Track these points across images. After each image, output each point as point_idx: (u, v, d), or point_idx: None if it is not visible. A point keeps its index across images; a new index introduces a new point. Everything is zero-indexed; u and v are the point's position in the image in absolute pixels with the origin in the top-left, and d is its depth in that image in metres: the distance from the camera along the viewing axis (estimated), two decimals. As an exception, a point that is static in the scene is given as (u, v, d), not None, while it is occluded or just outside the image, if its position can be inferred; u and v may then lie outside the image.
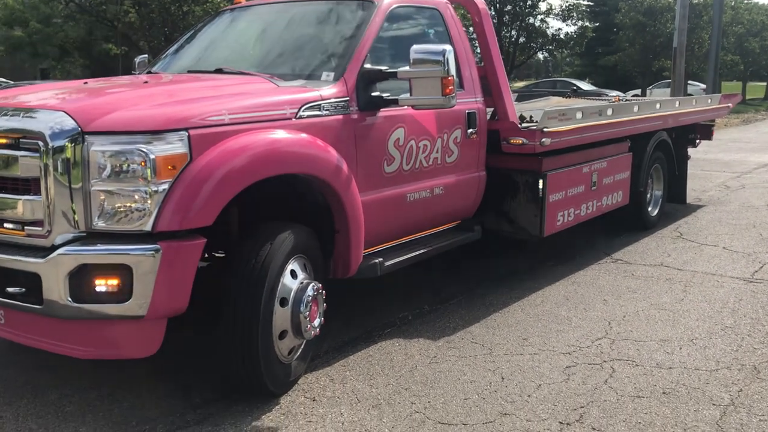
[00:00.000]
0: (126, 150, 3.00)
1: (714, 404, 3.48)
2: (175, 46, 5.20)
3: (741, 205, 8.72)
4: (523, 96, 8.47)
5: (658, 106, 7.17)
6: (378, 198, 4.12)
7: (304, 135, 3.60)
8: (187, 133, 3.09)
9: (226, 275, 3.38)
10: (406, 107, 4.13)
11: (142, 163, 2.99)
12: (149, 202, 3.00)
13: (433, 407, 3.45)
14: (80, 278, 2.98)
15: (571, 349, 4.17)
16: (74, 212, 3.01)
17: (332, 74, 3.99)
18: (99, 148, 2.99)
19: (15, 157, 3.11)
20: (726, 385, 3.69)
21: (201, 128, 3.15)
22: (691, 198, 8.82)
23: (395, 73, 3.96)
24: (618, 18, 43.07)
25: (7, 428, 3.25)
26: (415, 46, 3.85)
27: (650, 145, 7.13)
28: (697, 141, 8.64)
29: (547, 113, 5.18)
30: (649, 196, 7.39)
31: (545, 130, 5.09)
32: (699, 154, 10.85)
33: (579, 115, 5.65)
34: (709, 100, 8.57)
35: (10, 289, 3.13)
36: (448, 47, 3.82)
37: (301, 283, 3.55)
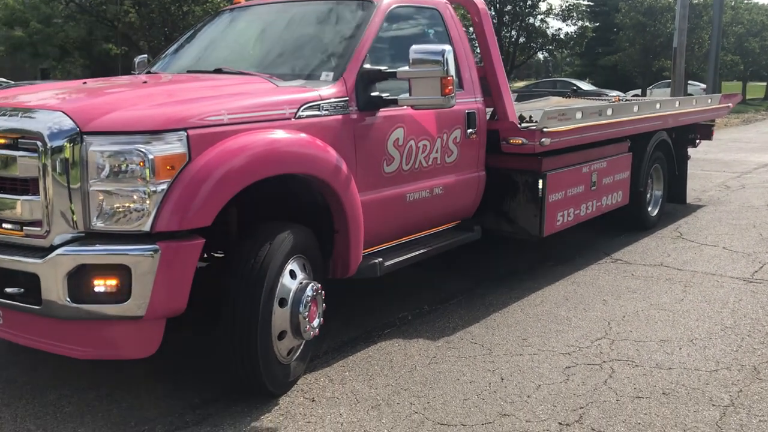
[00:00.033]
0: (125, 150, 2.99)
1: (714, 405, 3.47)
2: (174, 46, 5.20)
3: (741, 205, 8.71)
4: (522, 96, 8.46)
5: (658, 106, 7.16)
6: (377, 198, 4.11)
7: (303, 135, 3.59)
8: (185, 133, 3.08)
9: (225, 275, 3.37)
10: (405, 107, 4.13)
11: (141, 164, 2.98)
12: (148, 202, 2.99)
13: (432, 408, 3.44)
14: (79, 278, 2.98)
15: (570, 349, 4.16)
16: (73, 212, 3.01)
17: (331, 74, 3.98)
18: (97, 148, 2.99)
19: (13, 158, 3.11)
20: (726, 385, 3.69)
21: (200, 128, 3.15)
22: (691, 198, 8.82)
23: (394, 73, 3.96)
24: (618, 18, 43.09)
25: (6, 429, 3.24)
26: (414, 46, 3.84)
27: (650, 145, 7.13)
28: (697, 141, 8.64)
29: (547, 113, 5.18)
30: (649, 196, 7.39)
31: (545, 130, 5.09)
32: (699, 154, 10.84)
33: (579, 115, 5.65)
34: (709, 100, 8.57)
35: (8, 290, 3.12)
36: (447, 47, 3.82)
37: (300, 283, 3.55)
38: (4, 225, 3.19)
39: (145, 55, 5.50)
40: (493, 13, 34.17)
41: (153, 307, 3.00)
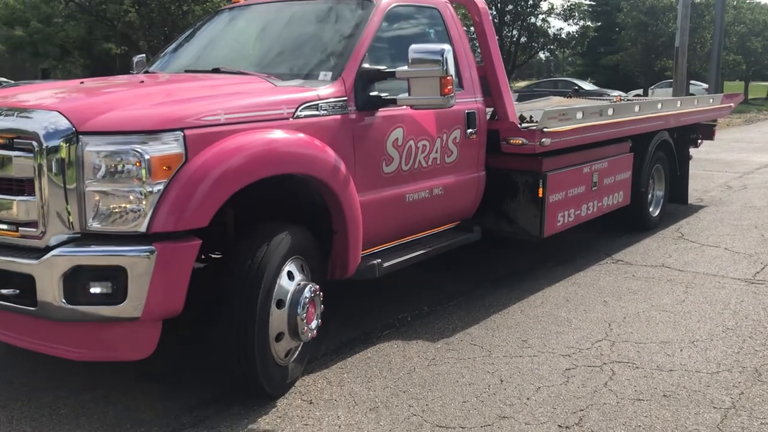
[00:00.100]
0: (121, 150, 2.97)
1: (715, 407, 3.44)
2: (173, 45, 5.18)
3: (743, 205, 8.68)
4: (524, 96, 8.44)
5: (659, 105, 7.13)
6: (376, 198, 4.09)
7: (301, 135, 3.57)
8: (182, 133, 3.06)
9: (223, 276, 3.35)
10: (404, 107, 4.10)
11: (137, 164, 2.96)
12: (144, 202, 2.97)
13: (431, 410, 3.42)
14: (74, 279, 2.96)
15: (570, 351, 4.14)
16: (69, 213, 2.99)
17: (330, 74, 3.96)
18: (94, 148, 2.97)
19: (9, 158, 3.09)
20: (727, 387, 3.66)
21: (197, 128, 3.13)
22: (692, 198, 8.79)
23: (394, 72, 3.93)
24: (620, 17, 43.06)
25: (1, 431, 3.22)
26: (413, 46, 3.82)
27: (652, 145, 7.10)
28: (699, 141, 8.60)
29: (547, 113, 5.15)
30: (650, 196, 7.36)
31: (545, 130, 5.06)
32: (701, 154, 10.81)
33: (579, 115, 5.62)
34: (711, 100, 8.54)
35: (4, 291, 3.10)
36: (447, 47, 3.79)
37: (298, 284, 3.52)
38: (-1, 225, 3.17)
39: (143, 55, 5.48)
40: (495, 13, 34.12)
41: (149, 309, 2.98)
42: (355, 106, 3.93)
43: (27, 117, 3.12)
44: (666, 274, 5.70)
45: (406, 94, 3.91)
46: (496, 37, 5.41)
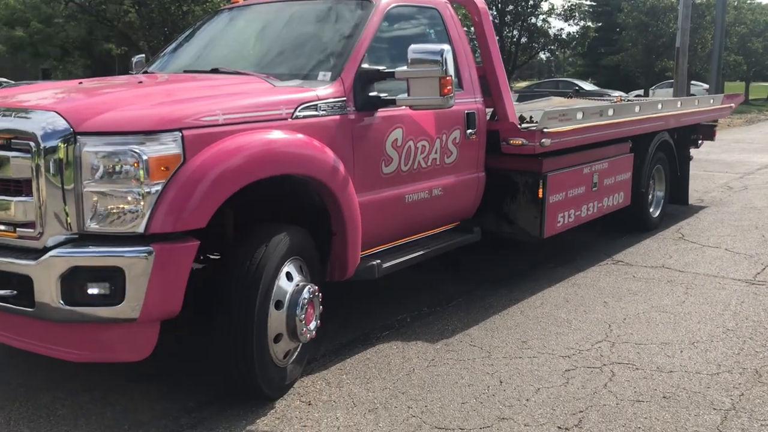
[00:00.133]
0: (119, 151, 2.96)
1: (715, 409, 3.43)
2: (172, 46, 5.17)
3: (744, 206, 8.66)
4: (524, 96, 8.42)
5: (660, 106, 7.12)
6: (376, 199, 4.08)
7: (300, 135, 3.56)
8: (180, 134, 3.05)
9: (221, 277, 3.34)
10: (404, 107, 4.09)
11: (135, 164, 2.95)
12: (142, 203, 2.96)
13: (430, 411, 3.41)
14: (72, 280, 2.94)
15: (570, 352, 4.12)
16: (66, 214, 2.98)
17: (329, 74, 3.95)
18: (91, 148, 2.96)
19: (7, 158, 3.08)
20: (727, 389, 3.64)
21: (195, 128, 3.11)
22: (693, 199, 8.77)
23: (393, 73, 3.92)
24: (620, 18, 43.01)
25: (-1, 432, 3.22)
26: (412, 46, 3.81)
27: (652, 145, 7.09)
28: (700, 141, 8.59)
29: (547, 114, 5.14)
30: (650, 197, 7.34)
31: (545, 130, 5.05)
32: (701, 154, 10.80)
33: (579, 115, 5.61)
34: (712, 101, 8.52)
35: (1, 292, 3.09)
36: (446, 47, 3.78)
37: (297, 285, 3.51)
38: (-3, 226, 3.16)
39: (143, 55, 5.46)
40: (495, 13, 34.06)
41: (147, 310, 2.97)
42: (354, 106, 3.92)
43: (25, 117, 3.11)
44: (666, 275, 5.68)
45: (406, 95, 3.90)
46: (496, 38, 5.40)
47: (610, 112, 6.08)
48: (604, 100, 8.50)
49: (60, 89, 3.85)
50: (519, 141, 5.08)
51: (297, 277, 3.54)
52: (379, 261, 4.18)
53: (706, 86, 30.09)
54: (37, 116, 3.07)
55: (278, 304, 3.41)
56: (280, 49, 4.47)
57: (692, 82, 31.56)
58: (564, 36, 39.30)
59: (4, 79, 23.86)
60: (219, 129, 3.21)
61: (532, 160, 5.21)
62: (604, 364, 3.95)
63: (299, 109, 3.62)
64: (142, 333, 3.07)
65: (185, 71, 4.54)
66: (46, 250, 2.99)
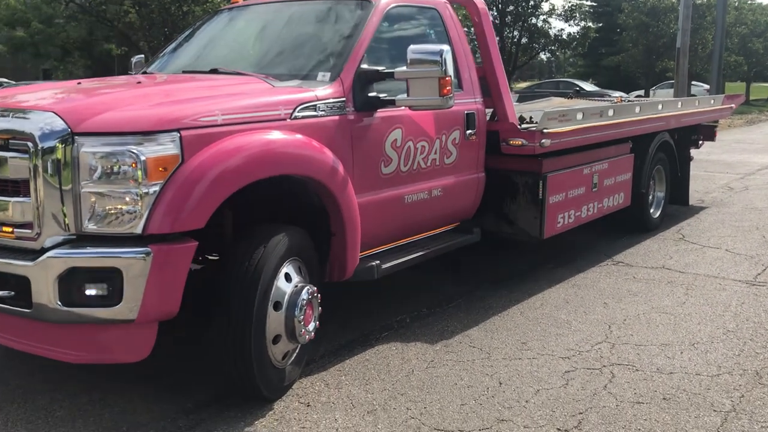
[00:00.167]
0: (117, 151, 2.95)
1: (715, 410, 3.42)
2: (171, 46, 5.16)
3: (744, 206, 8.65)
4: (524, 96, 8.42)
5: (660, 106, 7.11)
6: (375, 200, 4.07)
7: (299, 136, 3.55)
8: (178, 134, 3.04)
9: (220, 278, 3.33)
10: (403, 108, 4.09)
11: (133, 165, 2.94)
12: (140, 204, 2.95)
13: (429, 413, 3.40)
14: (70, 281, 2.94)
15: (570, 353, 4.11)
16: (64, 214, 2.97)
17: (328, 74, 3.94)
18: (89, 149, 2.95)
19: (5, 158, 3.07)
20: (727, 390, 3.63)
21: (193, 129, 3.10)
22: (693, 199, 8.76)
23: (392, 73, 3.91)
24: (621, 18, 43.01)
25: (-3, 433, 3.21)
26: (412, 46, 3.80)
27: (652, 146, 7.07)
28: (700, 142, 8.58)
29: (547, 114, 5.13)
30: (651, 197, 7.33)
31: (545, 131, 5.04)
32: (702, 155, 10.78)
33: (579, 116, 5.60)
34: (712, 101, 8.51)
35: (-1, 293, 3.08)
36: (445, 47, 3.77)
37: (296, 286, 3.50)
38: (-5, 227, 3.15)
39: (142, 55, 5.45)
40: (495, 14, 34.07)
41: (145, 311, 2.96)
42: (354, 106, 3.91)
43: (23, 118, 3.10)
44: (666, 276, 5.67)
45: (405, 95, 3.89)
46: (496, 38, 5.39)
47: (611, 112, 6.07)
48: (604, 100, 8.48)
49: (58, 90, 3.84)
50: (519, 141, 5.07)
51: (296, 278, 3.53)
52: (378, 262, 4.17)
53: (707, 87, 30.08)
54: (35, 116, 3.06)
55: (277, 305, 3.40)
56: (280, 50, 4.46)
57: (693, 82, 31.55)
58: (564, 36, 39.34)
59: (5, 80, 23.85)
60: (217, 129, 3.20)
61: (532, 160, 5.20)
62: (604, 366, 3.93)
63: (298, 109, 3.61)
64: (140, 334, 3.06)
65: (184, 71, 4.53)
66: (43, 250, 2.98)
